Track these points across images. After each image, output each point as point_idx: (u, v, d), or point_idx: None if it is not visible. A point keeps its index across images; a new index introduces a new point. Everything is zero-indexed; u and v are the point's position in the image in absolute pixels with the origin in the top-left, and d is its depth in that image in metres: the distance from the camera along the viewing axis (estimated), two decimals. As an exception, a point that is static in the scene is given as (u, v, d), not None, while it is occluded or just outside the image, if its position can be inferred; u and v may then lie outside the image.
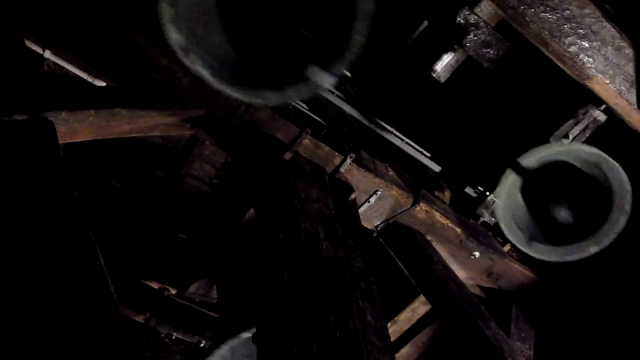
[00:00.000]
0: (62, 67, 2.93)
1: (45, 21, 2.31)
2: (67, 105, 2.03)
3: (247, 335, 2.62)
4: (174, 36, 1.88)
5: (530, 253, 3.04)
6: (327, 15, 2.19)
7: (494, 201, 3.33)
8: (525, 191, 3.01)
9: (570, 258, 2.90)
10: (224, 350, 2.63)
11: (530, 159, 2.86)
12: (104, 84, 3.01)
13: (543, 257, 2.99)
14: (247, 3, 2.18)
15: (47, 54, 2.85)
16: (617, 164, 2.82)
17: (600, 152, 2.81)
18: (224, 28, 2.11)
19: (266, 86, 2.11)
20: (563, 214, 2.86)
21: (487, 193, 3.36)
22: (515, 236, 2.98)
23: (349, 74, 4.09)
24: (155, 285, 3.90)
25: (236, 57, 2.14)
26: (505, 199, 2.91)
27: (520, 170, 2.87)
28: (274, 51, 2.25)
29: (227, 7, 2.10)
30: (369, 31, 2.02)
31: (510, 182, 2.88)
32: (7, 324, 1.18)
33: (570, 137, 3.14)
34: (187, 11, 1.90)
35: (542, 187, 3.03)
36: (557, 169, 2.95)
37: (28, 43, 2.63)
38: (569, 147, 2.90)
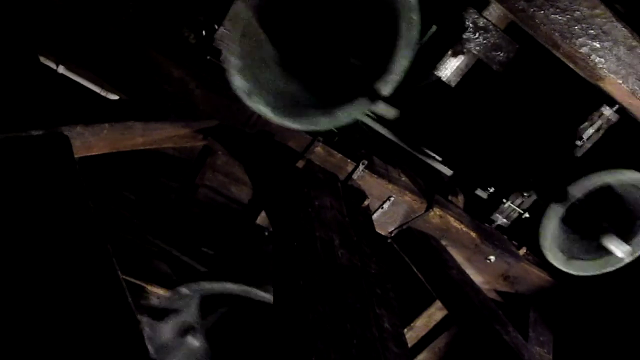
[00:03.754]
0: (76, 82, 2.97)
1: (59, 37, 2.35)
2: (82, 119, 2.06)
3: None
4: (239, 83, 2.04)
5: (572, 271, 3.02)
6: (374, 43, 2.28)
7: (510, 206, 3.32)
8: (567, 217, 2.99)
9: (608, 269, 2.91)
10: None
11: (576, 189, 2.84)
12: (117, 97, 3.05)
13: (584, 273, 2.99)
14: (300, 41, 2.30)
15: (61, 69, 2.89)
16: None
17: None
18: (280, 67, 2.25)
19: (319, 113, 2.26)
20: (620, 248, 2.83)
21: (504, 200, 3.34)
22: (556, 259, 2.97)
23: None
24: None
25: (291, 90, 2.29)
26: (551, 228, 2.90)
27: (564, 199, 2.86)
28: (325, 80, 2.38)
29: (282, 47, 2.23)
30: (413, 56, 2.16)
31: (556, 212, 2.87)
32: (26, 335, 1.19)
33: (585, 138, 3.13)
34: (249, 59, 2.07)
35: (587, 213, 3.02)
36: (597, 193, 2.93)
37: (42, 59, 2.67)
38: (613, 174, 2.87)
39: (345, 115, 2.25)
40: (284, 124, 2.23)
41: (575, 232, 2.97)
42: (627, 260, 2.84)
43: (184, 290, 3.01)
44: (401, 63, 2.15)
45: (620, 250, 2.79)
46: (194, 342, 3.02)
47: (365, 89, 2.23)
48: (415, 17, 2.03)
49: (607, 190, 2.81)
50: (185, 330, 3.01)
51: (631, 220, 2.86)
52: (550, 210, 2.84)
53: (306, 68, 2.38)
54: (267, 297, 2.99)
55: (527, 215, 3.36)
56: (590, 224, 2.92)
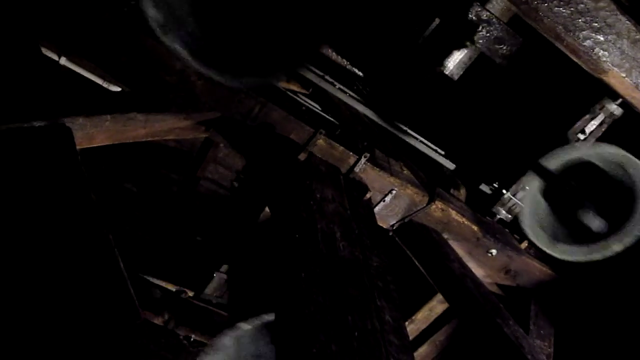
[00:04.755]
0: (78, 73, 2.96)
1: (61, 28, 2.34)
2: (83, 111, 2.05)
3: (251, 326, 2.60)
4: (152, 13, 1.85)
5: (555, 254, 2.98)
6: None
7: (510, 199, 3.31)
8: (547, 192, 2.95)
9: (594, 257, 2.86)
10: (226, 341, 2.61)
11: (553, 161, 2.80)
12: (119, 89, 3.04)
13: (568, 258, 2.95)
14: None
15: (63, 60, 2.89)
16: None
17: (624, 152, 2.76)
18: (201, 8, 2.05)
19: (244, 69, 2.11)
20: (594, 223, 2.79)
21: (503, 191, 3.34)
22: (538, 238, 2.93)
23: (361, 74, 4.09)
24: (172, 288, 3.93)
25: (216, 37, 2.10)
26: (529, 202, 2.86)
27: (542, 172, 2.83)
28: (248, 32, 2.19)
29: None
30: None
31: (534, 185, 2.83)
32: (29, 327, 1.20)
33: (587, 132, 3.11)
34: None
35: (565, 188, 2.98)
36: (579, 168, 2.88)
37: (44, 50, 2.67)
38: (592, 148, 2.83)
39: (269, 76, 2.18)
40: (204, 73, 2.10)
41: (559, 212, 2.92)
42: (615, 248, 2.78)
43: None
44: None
45: (595, 224, 2.75)
46: None
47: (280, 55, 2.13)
48: None
49: (590, 167, 2.74)
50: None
51: (617, 202, 2.80)
52: (528, 180, 2.78)
53: (235, 16, 2.18)
54: None
55: None
56: (572, 202, 2.87)
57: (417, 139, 3.47)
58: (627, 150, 3.19)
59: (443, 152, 3.53)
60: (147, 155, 4.24)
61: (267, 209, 3.83)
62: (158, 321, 3.66)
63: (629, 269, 3.37)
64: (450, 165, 3.50)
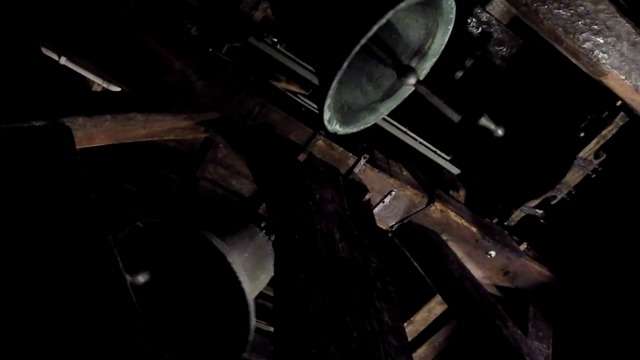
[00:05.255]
0: (78, 73, 2.96)
1: (61, 28, 2.34)
2: (83, 110, 2.05)
3: None
4: (326, 117, 2.18)
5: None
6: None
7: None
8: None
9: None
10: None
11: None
12: (118, 89, 3.04)
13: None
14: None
15: (63, 60, 2.88)
16: None
17: None
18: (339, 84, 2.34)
19: (366, 113, 2.45)
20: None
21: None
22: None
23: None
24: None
25: (346, 101, 2.41)
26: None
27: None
28: (368, 83, 2.49)
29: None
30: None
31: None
32: (26, 327, 1.20)
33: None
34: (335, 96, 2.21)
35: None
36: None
37: (44, 50, 2.67)
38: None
39: (385, 109, 2.45)
40: (347, 133, 2.39)
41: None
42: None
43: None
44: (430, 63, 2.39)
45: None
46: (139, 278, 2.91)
47: (398, 83, 2.35)
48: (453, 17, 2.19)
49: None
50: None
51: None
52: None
53: (352, 75, 2.44)
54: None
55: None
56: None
57: (419, 142, 3.46)
58: (628, 153, 3.19)
59: (449, 157, 3.52)
60: (146, 156, 4.24)
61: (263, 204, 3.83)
62: (157, 321, 3.65)
63: (628, 269, 3.38)
64: (455, 170, 3.49)
